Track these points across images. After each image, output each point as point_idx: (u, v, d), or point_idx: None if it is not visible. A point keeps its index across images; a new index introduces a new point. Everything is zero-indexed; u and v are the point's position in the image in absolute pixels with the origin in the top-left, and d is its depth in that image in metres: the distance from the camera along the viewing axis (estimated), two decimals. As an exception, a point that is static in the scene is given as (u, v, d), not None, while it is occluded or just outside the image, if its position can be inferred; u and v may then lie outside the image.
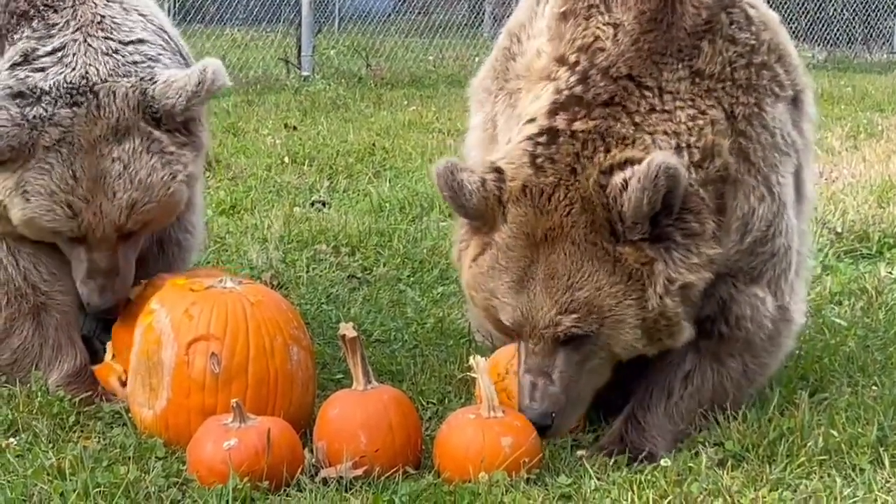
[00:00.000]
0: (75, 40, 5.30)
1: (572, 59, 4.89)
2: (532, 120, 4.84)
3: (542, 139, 4.74)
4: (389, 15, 24.32)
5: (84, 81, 5.24)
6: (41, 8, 5.37)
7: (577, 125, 4.71)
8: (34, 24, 5.34)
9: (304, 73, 18.08)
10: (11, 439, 4.99)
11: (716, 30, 4.87)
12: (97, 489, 4.51)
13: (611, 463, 4.85)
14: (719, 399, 5.08)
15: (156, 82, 5.31)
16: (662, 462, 4.79)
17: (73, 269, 5.42)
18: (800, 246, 5.15)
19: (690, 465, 4.77)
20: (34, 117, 5.16)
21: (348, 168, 10.75)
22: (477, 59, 5.37)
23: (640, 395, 5.09)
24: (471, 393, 5.36)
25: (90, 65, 5.27)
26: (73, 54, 5.28)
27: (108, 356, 5.56)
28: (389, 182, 10.19)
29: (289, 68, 18.32)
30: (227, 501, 4.43)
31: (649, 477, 4.70)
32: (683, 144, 4.72)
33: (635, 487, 4.60)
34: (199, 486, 4.57)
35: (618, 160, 4.63)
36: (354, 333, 4.85)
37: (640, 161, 4.56)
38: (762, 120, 4.89)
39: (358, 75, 18.23)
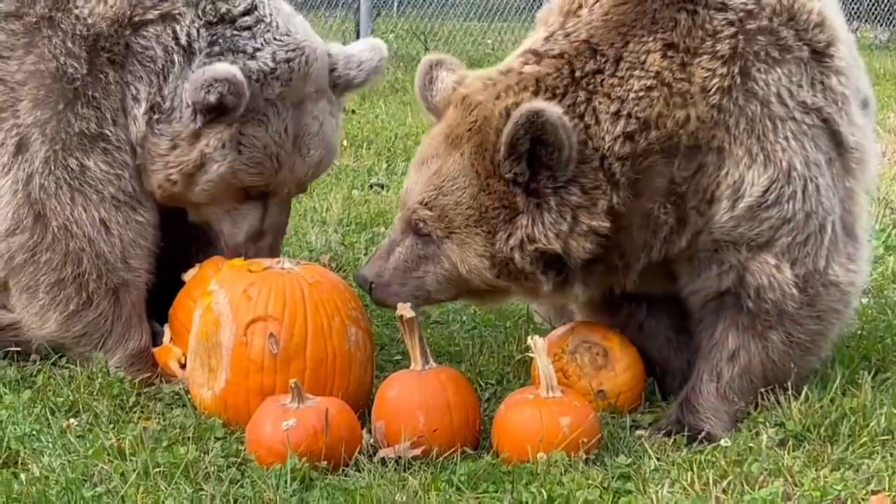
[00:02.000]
0: (262, 2, 5.53)
1: (550, 20, 5.04)
2: None
3: (500, 69, 4.96)
4: (448, -1, 24.30)
5: (290, 38, 5.49)
6: None
7: (527, 68, 4.86)
8: None
9: (363, 58, 18.07)
10: (72, 420, 5.03)
11: (699, 0, 4.85)
12: (157, 469, 4.54)
13: (670, 443, 4.84)
14: (774, 374, 5.03)
15: (333, 49, 5.68)
16: (722, 442, 4.77)
17: (232, 232, 5.61)
18: (848, 203, 5.07)
19: (750, 445, 4.73)
20: (258, 70, 5.38)
21: (406, 151, 10.74)
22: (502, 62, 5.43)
23: (692, 380, 5.08)
24: (529, 373, 5.34)
25: (288, 23, 5.55)
26: (269, 13, 5.52)
27: (166, 339, 5.59)
28: (447, 164, 10.15)
29: (347, 52, 18.33)
30: (286, 481, 4.44)
31: (709, 457, 4.67)
32: (624, 112, 4.77)
33: (695, 467, 4.58)
34: (257, 466, 4.59)
35: (530, 99, 4.75)
36: (412, 314, 4.84)
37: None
38: (748, 90, 4.84)
39: (417, 59, 18.16)
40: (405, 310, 4.85)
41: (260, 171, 5.44)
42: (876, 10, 25.00)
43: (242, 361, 4.93)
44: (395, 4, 22.81)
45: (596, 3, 4.96)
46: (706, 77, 4.80)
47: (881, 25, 24.77)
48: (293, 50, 5.47)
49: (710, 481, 4.48)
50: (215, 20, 5.45)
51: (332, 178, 9.66)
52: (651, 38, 4.83)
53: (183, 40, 5.42)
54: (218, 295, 5.05)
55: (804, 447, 4.75)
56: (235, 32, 5.44)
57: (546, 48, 4.91)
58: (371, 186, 9.50)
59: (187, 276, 5.57)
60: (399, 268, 4.98)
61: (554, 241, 4.73)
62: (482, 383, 5.46)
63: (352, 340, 5.03)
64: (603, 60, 4.82)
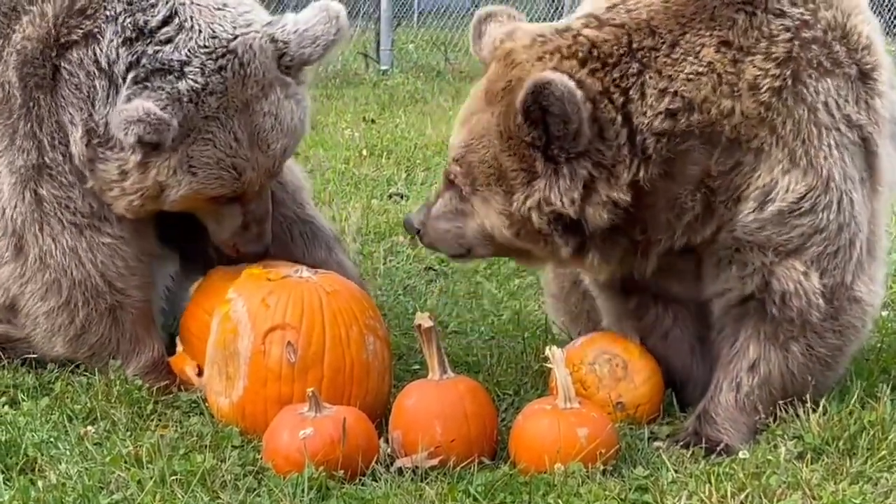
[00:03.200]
0: (182, 4, 5.22)
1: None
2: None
3: (557, 28, 4.96)
4: (469, 9, 24.29)
5: (217, 42, 5.18)
6: None
7: (586, 31, 4.88)
8: None
9: (383, 67, 18.11)
10: (90, 427, 5.04)
11: (759, 3, 4.89)
12: (174, 477, 4.54)
13: (688, 455, 4.83)
14: (793, 386, 5.02)
15: (282, 29, 5.30)
16: (740, 454, 4.75)
17: (216, 230, 5.48)
18: (872, 223, 5.08)
19: (769, 457, 4.71)
20: (189, 90, 5.12)
21: (426, 161, 10.75)
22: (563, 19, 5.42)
23: (711, 391, 5.07)
24: (547, 384, 5.33)
25: (212, 24, 5.21)
26: (191, 17, 5.21)
27: (179, 347, 5.58)
28: (467, 174, 10.15)
29: (368, 62, 18.35)
30: (303, 490, 4.44)
31: (727, 469, 4.65)
32: (671, 90, 4.79)
33: (713, 479, 4.56)
34: (274, 474, 4.58)
35: (562, 68, 4.77)
36: (430, 324, 4.84)
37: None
38: (797, 92, 4.86)
39: (436, 69, 18.24)
40: (423, 319, 4.85)
41: (221, 184, 5.26)
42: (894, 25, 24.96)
43: (260, 370, 4.93)
44: (416, 15, 22.85)
45: None
46: (758, 75, 4.82)
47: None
48: (223, 56, 5.17)
49: (728, 494, 4.47)
50: (134, 35, 5.18)
51: (350, 188, 9.69)
52: (708, 34, 4.85)
53: (103, 63, 5.18)
54: (236, 303, 5.05)
55: (823, 460, 4.73)
56: (157, 48, 5.15)
57: (608, 16, 4.92)
58: (390, 196, 9.50)
59: (193, 287, 5.57)
60: (441, 217, 5.09)
61: (569, 207, 4.77)
62: (500, 393, 5.45)
63: (369, 350, 5.02)
64: (660, 41, 4.84)
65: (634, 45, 4.83)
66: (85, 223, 5.39)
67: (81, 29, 5.25)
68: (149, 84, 5.12)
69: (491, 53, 5.05)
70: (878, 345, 5.97)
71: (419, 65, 18.56)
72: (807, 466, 4.65)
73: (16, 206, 5.39)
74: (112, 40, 5.19)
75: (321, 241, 5.96)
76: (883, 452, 4.73)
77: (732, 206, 4.89)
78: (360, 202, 9.05)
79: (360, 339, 5.00)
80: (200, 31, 5.18)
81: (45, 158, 5.34)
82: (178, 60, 5.13)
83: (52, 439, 4.89)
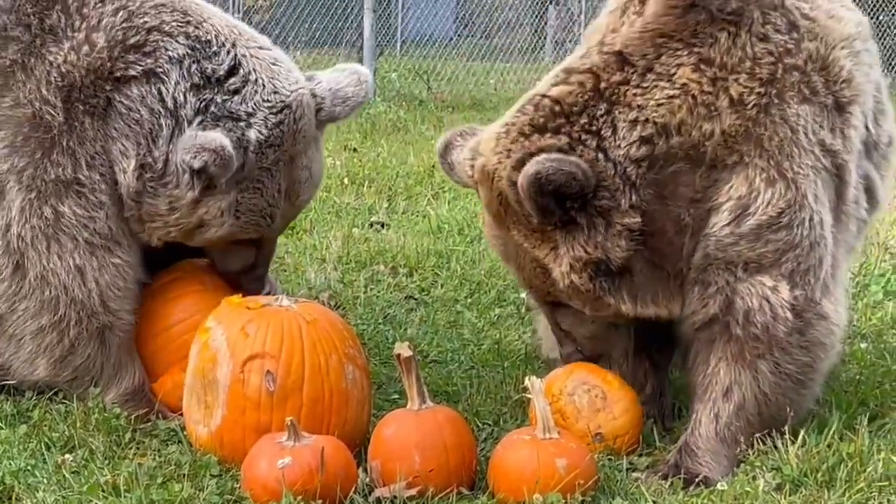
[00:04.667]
0: (244, 55, 5.41)
1: (593, 38, 5.17)
2: None
3: (521, 105, 5.06)
4: (451, 39, 24.39)
5: (277, 97, 5.38)
6: (171, 25, 5.41)
7: (553, 90, 5.00)
8: (178, 39, 5.37)
9: (366, 96, 18.11)
10: (67, 455, 5.01)
11: (743, 23, 4.98)
12: (151, 506, 4.53)
13: (667, 486, 4.83)
14: (768, 409, 5.02)
15: (318, 86, 5.57)
16: (719, 486, 4.75)
17: (224, 263, 5.63)
18: (835, 249, 5.12)
19: (747, 489, 4.72)
20: (255, 141, 5.32)
21: (407, 190, 10.77)
22: (538, 83, 5.41)
23: (691, 423, 5.07)
24: (526, 414, 5.33)
25: (273, 79, 5.42)
26: (253, 69, 5.40)
27: None
28: (448, 204, 10.19)
29: (350, 91, 18.35)
30: (281, 520, 4.43)
31: (706, 501, 4.67)
32: (641, 118, 4.88)
33: (691, 511, 4.57)
34: (252, 504, 4.57)
35: (531, 150, 4.90)
36: (410, 353, 4.84)
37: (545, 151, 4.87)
38: (782, 112, 4.95)
39: (419, 98, 18.28)
40: (403, 349, 4.85)
41: (256, 230, 5.47)
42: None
43: (239, 399, 4.92)
44: (399, 44, 22.91)
45: (638, 17, 5.07)
46: (743, 92, 4.92)
47: (883, 71, 24.82)
48: (282, 111, 5.37)
49: (707, 525, 4.48)
50: (202, 83, 5.34)
51: (332, 216, 9.68)
52: (686, 52, 4.94)
53: (169, 103, 5.31)
54: (215, 332, 5.04)
55: (801, 492, 4.74)
56: (226, 97, 5.34)
57: (578, 64, 5.03)
58: (371, 225, 9.50)
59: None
60: (578, 331, 5.32)
61: (593, 250, 4.88)
62: (479, 423, 5.45)
63: (349, 379, 5.02)
64: (631, 71, 4.94)
65: (602, 86, 4.93)
66: (100, 243, 5.41)
67: (140, 66, 5.35)
68: (219, 125, 5.31)
69: (470, 178, 5.17)
70: (857, 377, 5.99)
71: (402, 93, 18.59)
72: (785, 498, 4.66)
73: (26, 223, 5.36)
74: (179, 83, 5.33)
75: None
76: (861, 485, 4.74)
77: (705, 219, 4.94)
78: (340, 231, 9.05)
79: (339, 368, 4.99)
80: (264, 86, 5.38)
81: (80, 175, 5.36)
82: (245, 112, 5.33)
83: (29, 467, 4.86)
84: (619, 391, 5.19)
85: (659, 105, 4.88)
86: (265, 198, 5.40)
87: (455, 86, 19.98)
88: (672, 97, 4.88)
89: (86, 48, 5.34)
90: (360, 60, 18.61)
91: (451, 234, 9.06)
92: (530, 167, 4.79)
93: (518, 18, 23.94)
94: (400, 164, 11.95)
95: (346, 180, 11.06)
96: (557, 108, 4.93)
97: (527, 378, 4.85)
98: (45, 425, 5.27)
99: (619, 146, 4.86)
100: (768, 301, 4.93)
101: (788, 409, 5.00)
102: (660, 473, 4.94)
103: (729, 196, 4.91)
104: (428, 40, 22.73)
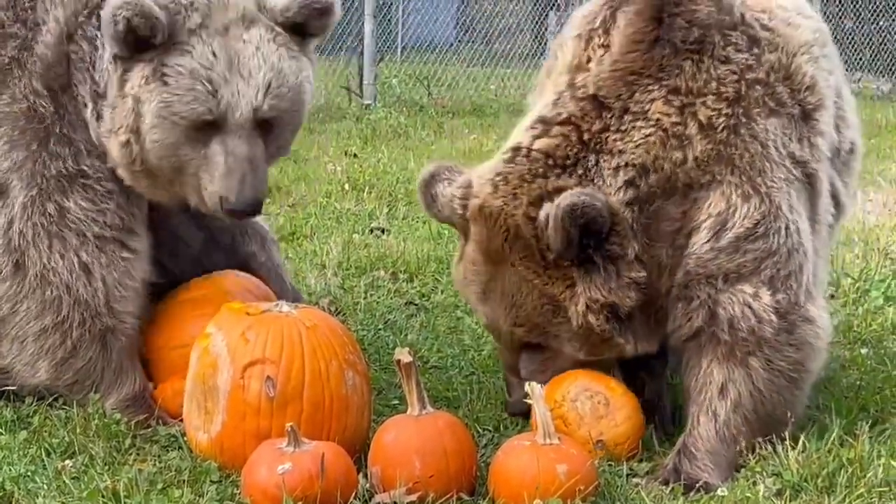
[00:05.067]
0: None
1: (559, 80, 5.18)
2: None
3: (507, 156, 5.10)
4: (452, 44, 24.38)
5: None
6: None
7: (537, 143, 5.03)
8: None
9: (366, 102, 18.14)
10: (67, 461, 5.01)
11: (705, 50, 5.05)
12: (152, 512, 4.53)
13: (667, 492, 4.83)
14: (764, 406, 5.03)
15: None
16: (719, 492, 4.75)
17: (206, 178, 5.28)
18: (815, 256, 5.18)
19: (748, 494, 4.72)
20: (177, 3, 5.21)
21: (408, 196, 10.76)
22: (513, 133, 5.49)
23: (689, 426, 5.08)
24: (527, 420, 5.33)
25: None
26: None
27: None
28: (449, 209, 10.16)
29: (351, 97, 18.38)
30: (281, 525, 4.43)
31: (706, 507, 4.66)
32: (622, 163, 4.95)
33: (692, 517, 4.57)
34: (252, 509, 4.57)
35: (548, 189, 4.93)
36: (410, 359, 4.84)
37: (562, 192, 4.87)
38: (750, 129, 5.02)
39: (419, 104, 18.28)
40: (403, 354, 4.85)
41: (194, 97, 5.20)
42: (878, 61, 25.08)
43: (239, 404, 4.92)
44: (399, 49, 22.92)
45: (605, 53, 5.09)
46: (711, 115, 4.97)
47: (883, 77, 24.84)
48: None
49: (707, 531, 4.48)
50: None
51: (332, 222, 9.69)
52: (656, 87, 5.00)
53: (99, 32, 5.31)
54: (215, 337, 5.04)
55: (801, 497, 4.74)
56: None
57: (554, 113, 5.06)
58: (371, 231, 9.51)
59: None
60: (535, 374, 5.23)
61: (608, 294, 4.93)
62: (479, 429, 5.45)
63: (349, 384, 5.01)
64: (609, 116, 4.99)
65: (585, 137, 5.00)
66: (111, 236, 5.42)
67: (87, 9, 5.36)
68: None
69: (458, 215, 5.16)
70: (858, 382, 5.99)
71: (402, 99, 18.58)
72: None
73: (28, 220, 5.36)
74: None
75: (257, 237, 6.06)
76: (861, 490, 4.74)
77: (685, 241, 4.99)
78: (341, 236, 9.05)
79: (339, 373, 4.99)
80: None
81: (83, 165, 5.38)
82: None
83: (29, 473, 4.87)
84: (622, 398, 5.18)
85: (637, 146, 4.95)
86: (195, 59, 5.20)
87: (456, 91, 19.97)
88: (648, 135, 4.96)
89: (53, 24, 5.38)
90: (361, 66, 18.64)
91: (452, 239, 9.03)
92: (565, 199, 4.81)
93: (518, 24, 23.95)
94: (400, 170, 11.94)
95: (346, 186, 11.07)
96: (550, 161, 4.99)
97: (527, 384, 4.85)
98: (45, 431, 5.27)
99: (611, 193, 4.92)
100: (750, 307, 4.97)
101: (785, 409, 5.03)
102: (660, 479, 4.94)
103: (708, 213, 4.97)
104: (428, 46, 22.73)
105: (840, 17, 25.35)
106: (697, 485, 4.86)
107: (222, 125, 5.25)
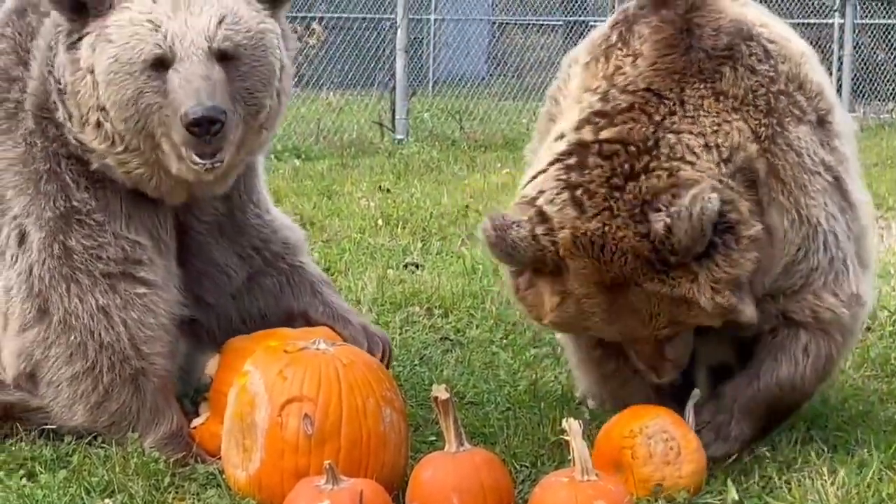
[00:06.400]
0: None
1: (594, 84, 5.15)
2: (560, 137, 5.07)
3: (573, 160, 4.93)
4: (483, 78, 24.47)
5: None
6: None
7: (604, 133, 4.92)
8: None
9: (398, 136, 18.20)
10: (107, 500, 5.02)
11: (737, 57, 5.10)
12: (191, 550, 4.54)
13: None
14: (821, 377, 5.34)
15: None
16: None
17: (170, 116, 5.10)
18: (857, 248, 5.35)
19: (787, 530, 4.70)
20: None
21: (441, 230, 10.78)
22: (530, 157, 5.49)
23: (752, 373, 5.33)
24: (564, 456, 5.31)
25: None
26: None
27: (203, 416, 5.59)
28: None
29: (383, 131, 18.45)
30: (320, 563, 4.43)
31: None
32: (711, 144, 4.92)
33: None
34: (291, 547, 4.57)
35: (644, 195, 4.80)
36: (447, 395, 4.84)
37: (668, 192, 4.78)
38: (786, 139, 5.08)
39: (451, 138, 18.33)
40: (440, 391, 4.85)
41: (138, 39, 5.11)
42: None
43: (277, 442, 4.93)
44: (431, 84, 23.01)
45: (636, 59, 5.12)
46: (755, 125, 5.04)
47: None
48: None
49: (747, 567, 4.46)
50: None
51: (366, 258, 9.70)
52: (702, 86, 5.03)
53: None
54: (253, 375, 5.05)
55: (841, 532, 4.72)
56: None
57: (610, 106, 5.01)
58: (406, 266, 9.52)
59: (210, 369, 5.59)
60: (686, 353, 5.24)
61: (731, 268, 4.87)
62: (516, 465, 5.43)
63: (386, 421, 5.02)
64: (671, 103, 4.98)
65: (657, 118, 4.94)
66: (118, 271, 5.38)
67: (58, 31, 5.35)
68: None
69: (540, 255, 4.87)
70: (896, 416, 5.97)
71: (434, 133, 18.65)
72: (825, 539, 4.64)
73: (44, 262, 5.36)
74: None
75: (306, 284, 6.01)
76: (901, 525, 4.72)
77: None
78: (375, 272, 9.07)
79: (376, 410, 5.00)
80: None
81: (74, 201, 5.35)
82: None
83: (69, 512, 4.89)
84: (694, 453, 5.05)
85: (715, 131, 4.94)
86: (135, 9, 5.12)
87: (487, 125, 20.02)
88: (719, 123, 4.96)
89: (38, 53, 5.42)
90: (393, 101, 18.71)
91: (486, 274, 9.06)
92: (695, 205, 4.66)
93: (549, 58, 23.98)
94: (434, 205, 11.98)
95: (379, 221, 11.09)
96: (632, 148, 4.87)
97: (564, 420, 4.84)
98: (85, 470, 5.28)
99: (711, 168, 4.88)
100: (819, 306, 5.19)
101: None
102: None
103: (777, 233, 5.08)
104: (460, 80, 22.80)
105: (872, 49, 25.35)
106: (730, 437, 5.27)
107: (174, 58, 5.12)
